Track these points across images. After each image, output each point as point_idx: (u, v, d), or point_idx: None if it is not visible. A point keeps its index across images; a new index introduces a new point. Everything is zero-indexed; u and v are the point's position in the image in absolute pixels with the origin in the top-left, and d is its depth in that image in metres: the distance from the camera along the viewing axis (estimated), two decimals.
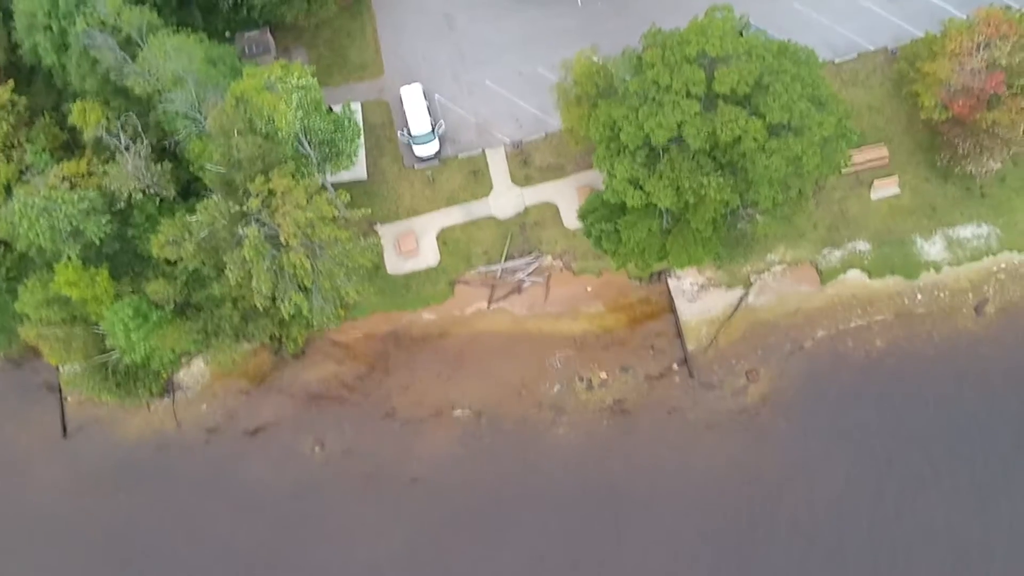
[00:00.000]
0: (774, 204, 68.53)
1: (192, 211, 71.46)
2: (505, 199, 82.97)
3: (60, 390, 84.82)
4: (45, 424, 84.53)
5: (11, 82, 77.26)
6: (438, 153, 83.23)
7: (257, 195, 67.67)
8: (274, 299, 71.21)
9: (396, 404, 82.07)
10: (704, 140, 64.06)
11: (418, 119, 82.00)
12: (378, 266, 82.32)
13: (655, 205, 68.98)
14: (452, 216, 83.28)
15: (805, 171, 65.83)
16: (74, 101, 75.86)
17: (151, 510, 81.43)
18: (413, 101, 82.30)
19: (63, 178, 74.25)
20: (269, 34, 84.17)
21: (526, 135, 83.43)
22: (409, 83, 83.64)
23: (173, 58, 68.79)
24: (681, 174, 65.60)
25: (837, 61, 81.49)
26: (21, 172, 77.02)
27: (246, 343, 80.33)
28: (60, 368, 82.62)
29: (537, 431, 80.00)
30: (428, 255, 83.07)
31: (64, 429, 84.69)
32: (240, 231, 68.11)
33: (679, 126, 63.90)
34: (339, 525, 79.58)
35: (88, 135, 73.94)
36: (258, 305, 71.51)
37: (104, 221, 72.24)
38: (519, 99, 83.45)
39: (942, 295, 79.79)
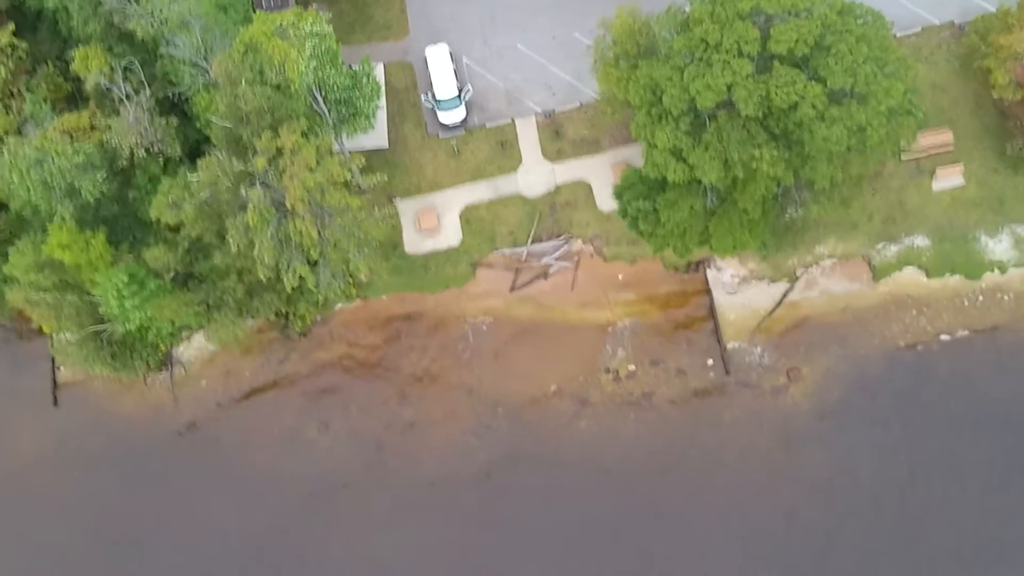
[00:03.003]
0: (832, 184, 63.61)
1: (196, 170, 67.66)
2: (535, 175, 78.82)
3: (53, 358, 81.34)
4: (35, 392, 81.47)
5: (11, 25, 73.59)
6: (464, 121, 79.09)
7: (264, 153, 63.74)
8: (279, 271, 67.33)
9: (407, 390, 78.68)
10: (756, 106, 59.08)
11: (444, 82, 77.61)
12: (395, 244, 78.86)
13: (699, 181, 64.65)
14: (477, 192, 79.33)
15: (868, 146, 60.79)
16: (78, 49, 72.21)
17: (142, 489, 78.35)
18: (439, 63, 77.93)
19: (63, 131, 70.85)
20: None
21: (559, 104, 79.17)
22: (435, 44, 79.17)
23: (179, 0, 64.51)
24: (730, 145, 60.71)
25: (899, 35, 76.34)
26: (20, 124, 73.40)
27: (250, 319, 76.83)
28: (53, 336, 78.80)
29: (558, 424, 76.50)
30: (450, 234, 79.36)
31: (55, 398, 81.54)
32: (244, 194, 64.50)
33: (728, 88, 58.99)
34: (343, 514, 76.41)
35: (89, 83, 70.50)
36: (262, 278, 68.06)
37: (100, 178, 68.69)
38: (552, 65, 79.20)
39: (1006, 298, 75.44)
